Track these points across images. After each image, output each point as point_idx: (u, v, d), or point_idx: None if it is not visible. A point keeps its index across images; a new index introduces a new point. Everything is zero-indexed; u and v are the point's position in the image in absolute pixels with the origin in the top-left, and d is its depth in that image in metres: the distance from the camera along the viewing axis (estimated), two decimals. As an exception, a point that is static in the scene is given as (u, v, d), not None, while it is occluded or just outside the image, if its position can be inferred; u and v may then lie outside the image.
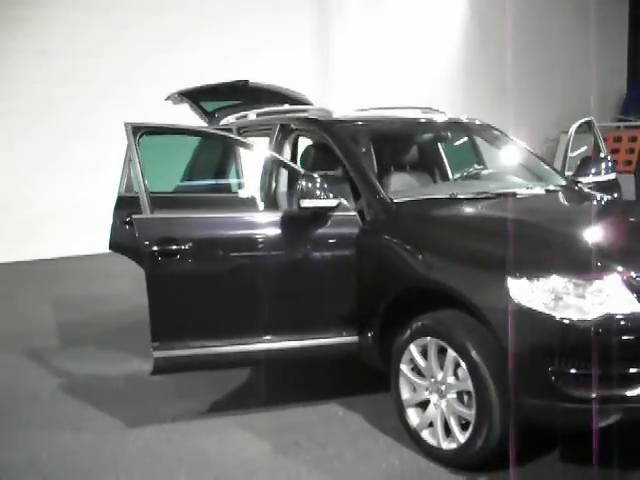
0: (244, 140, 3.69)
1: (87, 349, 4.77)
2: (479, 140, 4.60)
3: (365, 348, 3.41)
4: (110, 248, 4.38)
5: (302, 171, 3.43)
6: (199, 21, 9.11)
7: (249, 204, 3.82)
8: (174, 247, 3.19)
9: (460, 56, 11.17)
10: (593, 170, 4.28)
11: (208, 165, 4.88)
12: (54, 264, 7.95)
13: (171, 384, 3.95)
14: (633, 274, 2.65)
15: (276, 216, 3.39)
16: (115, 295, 6.25)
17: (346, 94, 9.71)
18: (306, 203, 3.24)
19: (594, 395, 2.55)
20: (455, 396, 2.90)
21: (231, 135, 3.75)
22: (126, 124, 3.32)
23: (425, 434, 3.04)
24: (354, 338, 3.41)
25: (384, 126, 4.29)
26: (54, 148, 8.33)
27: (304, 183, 3.24)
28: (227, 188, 4.50)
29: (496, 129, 4.48)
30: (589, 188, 4.27)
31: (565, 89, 12.11)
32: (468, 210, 3.49)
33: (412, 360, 3.09)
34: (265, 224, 3.38)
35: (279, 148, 4.20)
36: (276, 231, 3.35)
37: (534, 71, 11.67)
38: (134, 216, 3.22)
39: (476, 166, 4.49)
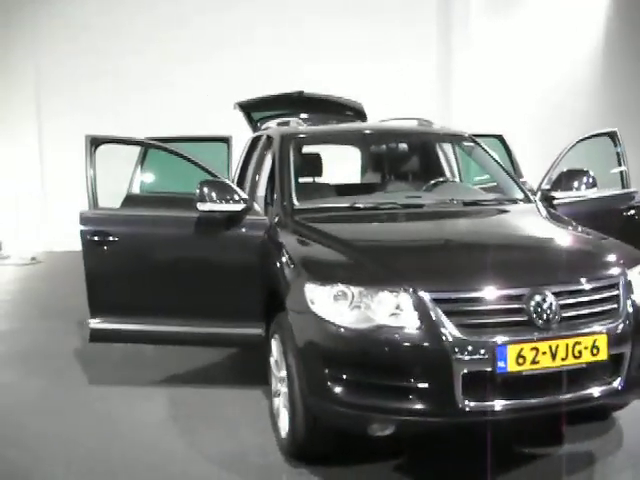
0: (181, 152, 4.09)
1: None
2: (457, 150, 4.58)
3: (265, 340, 3.75)
4: None
5: (216, 178, 3.85)
6: (318, 35, 9.69)
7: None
8: (106, 238, 3.83)
9: (597, 63, 10.37)
10: (573, 184, 4.11)
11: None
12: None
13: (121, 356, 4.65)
14: (423, 292, 2.67)
15: (195, 216, 3.85)
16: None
17: (468, 110, 9.65)
18: (201, 206, 3.66)
19: (365, 403, 2.65)
20: (287, 389, 3.14)
21: (171, 148, 4.20)
22: (86, 136, 4.02)
23: (279, 422, 3.31)
24: (258, 330, 3.77)
25: (334, 138, 4.51)
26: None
27: (201, 189, 3.67)
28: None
29: (474, 140, 4.44)
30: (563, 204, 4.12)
31: None
32: (341, 219, 3.59)
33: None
34: (187, 223, 3.84)
35: (261, 156, 4.66)
36: (195, 230, 3.81)
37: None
38: (80, 211, 3.93)
39: (441, 178, 4.49)
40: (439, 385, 2.59)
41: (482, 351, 2.57)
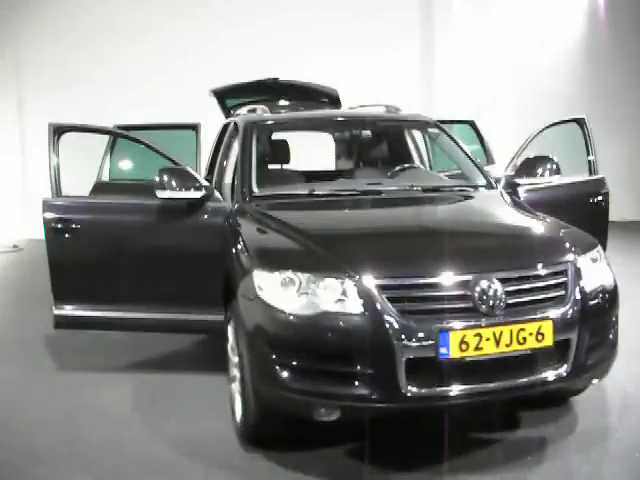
0: (143, 140, 4.07)
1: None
2: (425, 137, 4.59)
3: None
4: None
5: (176, 166, 3.84)
6: (298, 21, 9.63)
7: None
8: (69, 226, 3.83)
9: (580, 50, 10.31)
10: (537, 171, 4.12)
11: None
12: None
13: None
14: (367, 278, 2.68)
15: (156, 203, 3.84)
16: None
17: (451, 99, 9.62)
18: (160, 194, 3.67)
19: (310, 388, 2.68)
20: (239, 375, 3.16)
21: (131, 135, 4.20)
22: (49, 124, 4.01)
23: (234, 407, 3.32)
24: (220, 317, 3.77)
25: (297, 125, 4.51)
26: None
27: (161, 176, 3.67)
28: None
29: (439, 127, 4.44)
30: (530, 190, 4.14)
31: None
32: (297, 207, 3.61)
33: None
34: (148, 210, 3.84)
35: (228, 143, 4.65)
36: (156, 217, 3.82)
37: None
38: (43, 198, 3.93)
39: (406, 164, 4.49)
40: (382, 371, 2.61)
41: (424, 337, 2.59)
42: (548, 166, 4.12)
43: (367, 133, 4.62)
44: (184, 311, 3.82)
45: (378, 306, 2.63)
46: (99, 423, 3.52)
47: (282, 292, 2.76)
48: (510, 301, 2.72)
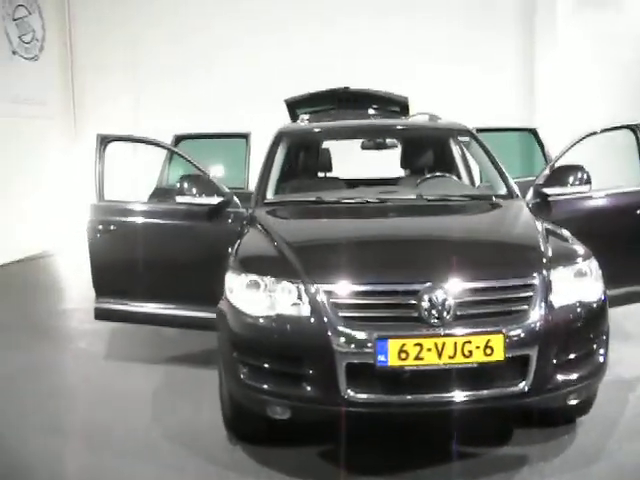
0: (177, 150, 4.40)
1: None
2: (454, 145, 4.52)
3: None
4: None
5: (202, 174, 4.11)
6: (397, 32, 9.63)
7: None
8: (106, 227, 4.23)
9: None
10: (567, 180, 3.97)
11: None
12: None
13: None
14: (317, 284, 2.76)
15: (182, 208, 4.13)
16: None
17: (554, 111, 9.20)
18: (179, 199, 3.95)
19: (263, 387, 2.82)
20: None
21: (172, 147, 4.52)
22: (97, 135, 4.44)
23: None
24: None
25: (326, 134, 4.60)
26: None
27: (181, 183, 3.94)
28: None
29: (473, 134, 4.36)
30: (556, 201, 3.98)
31: None
32: (295, 214, 3.73)
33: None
34: (174, 214, 4.16)
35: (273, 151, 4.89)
36: (180, 221, 4.12)
37: None
38: (90, 202, 4.37)
39: (437, 172, 4.45)
40: (325, 375, 2.69)
41: (363, 344, 2.64)
42: (579, 175, 3.94)
43: (393, 141, 4.64)
44: (210, 310, 4.08)
45: (324, 311, 2.71)
46: (110, 405, 3.89)
47: (247, 294, 2.93)
48: (461, 313, 2.69)
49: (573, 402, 2.95)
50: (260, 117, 6.96)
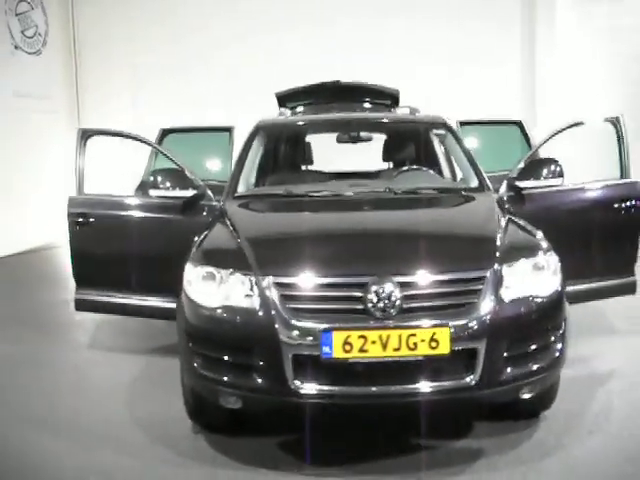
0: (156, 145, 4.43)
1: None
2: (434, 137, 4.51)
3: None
4: None
5: (178, 167, 4.15)
6: (397, 31, 9.59)
7: None
8: (86, 219, 4.30)
9: None
10: (540, 174, 3.96)
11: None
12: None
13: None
14: (267, 276, 2.79)
15: (157, 201, 4.19)
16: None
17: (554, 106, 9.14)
18: (152, 192, 4.00)
19: (214, 377, 2.85)
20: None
21: (149, 141, 4.58)
22: (78, 129, 4.50)
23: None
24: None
25: (305, 128, 4.61)
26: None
27: (155, 176, 3.99)
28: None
29: (449, 128, 4.36)
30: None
31: None
32: (260, 207, 3.76)
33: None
34: (149, 207, 4.22)
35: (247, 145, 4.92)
36: (155, 213, 4.19)
37: None
38: (69, 195, 4.43)
39: (414, 165, 4.45)
40: (273, 366, 2.72)
41: (308, 336, 2.67)
42: (552, 168, 3.93)
43: (367, 135, 4.64)
44: None
45: (273, 303, 2.74)
46: (90, 392, 3.98)
47: (203, 286, 2.96)
48: (407, 305, 2.70)
49: (526, 396, 2.95)
50: (259, 115, 7.00)
